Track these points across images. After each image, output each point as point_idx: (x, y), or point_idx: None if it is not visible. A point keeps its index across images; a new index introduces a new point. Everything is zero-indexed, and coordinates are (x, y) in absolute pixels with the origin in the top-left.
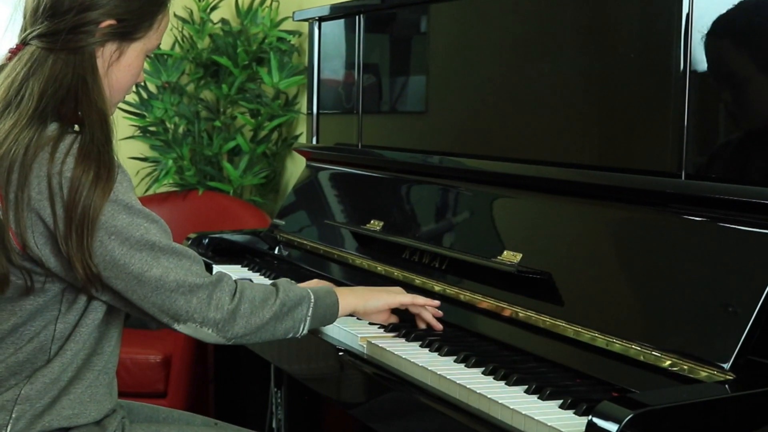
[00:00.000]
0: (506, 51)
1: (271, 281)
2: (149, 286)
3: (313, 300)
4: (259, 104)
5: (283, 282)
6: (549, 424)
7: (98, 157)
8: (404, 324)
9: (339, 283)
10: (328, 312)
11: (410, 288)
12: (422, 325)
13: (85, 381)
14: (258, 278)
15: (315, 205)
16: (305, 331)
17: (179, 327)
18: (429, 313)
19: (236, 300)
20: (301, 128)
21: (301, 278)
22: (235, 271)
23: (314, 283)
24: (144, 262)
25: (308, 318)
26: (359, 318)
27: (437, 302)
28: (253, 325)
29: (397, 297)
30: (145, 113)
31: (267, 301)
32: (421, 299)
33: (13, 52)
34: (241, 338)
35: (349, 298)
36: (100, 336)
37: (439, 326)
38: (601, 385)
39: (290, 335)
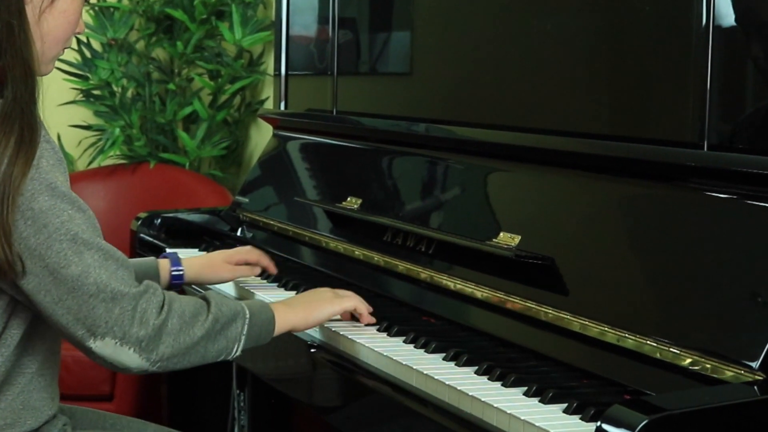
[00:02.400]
0: (503, 2)
1: (198, 294)
2: (65, 285)
3: (248, 315)
4: (219, 64)
5: (213, 295)
6: (552, 431)
7: (21, 118)
8: (386, 317)
9: (311, 271)
10: (264, 330)
11: (393, 276)
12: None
13: (17, 386)
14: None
15: (283, 180)
16: (239, 353)
17: (95, 345)
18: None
19: (164, 313)
20: (268, 92)
21: None
22: (192, 256)
23: (229, 256)
24: (62, 256)
25: (243, 336)
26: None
27: (369, 310)
28: (182, 344)
29: (341, 302)
30: (88, 74)
31: (198, 316)
32: (361, 305)
33: None
34: (168, 361)
35: (288, 314)
36: (32, 333)
37: (372, 319)
38: (612, 386)
39: (221, 358)
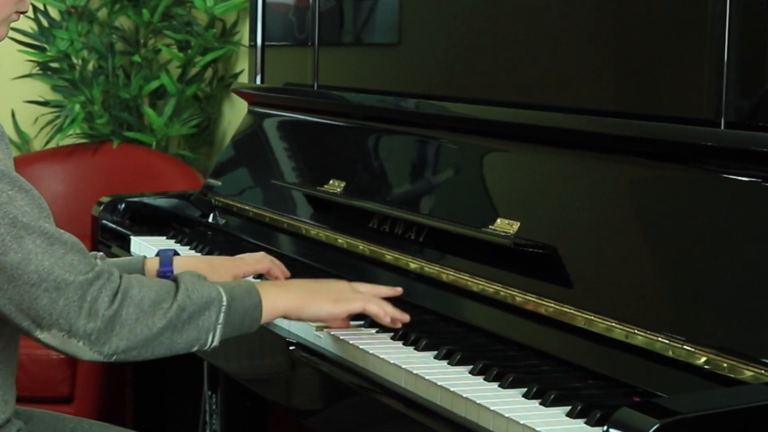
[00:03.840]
0: None
1: (173, 275)
2: (4, 274)
3: (225, 302)
4: (189, 34)
5: (187, 278)
6: None
7: None
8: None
9: (290, 261)
10: (247, 317)
11: (380, 266)
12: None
13: None
14: (188, 254)
15: (259, 162)
16: (216, 343)
17: (42, 336)
18: (387, 315)
19: (117, 303)
20: (242, 64)
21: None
22: (159, 244)
23: (236, 268)
24: (0, 242)
25: (219, 326)
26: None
27: (398, 290)
28: (140, 336)
29: (345, 305)
30: (45, 45)
31: (160, 304)
32: (374, 307)
33: None
34: (125, 354)
35: (279, 299)
36: None
37: (405, 317)
38: (619, 387)
39: (195, 348)
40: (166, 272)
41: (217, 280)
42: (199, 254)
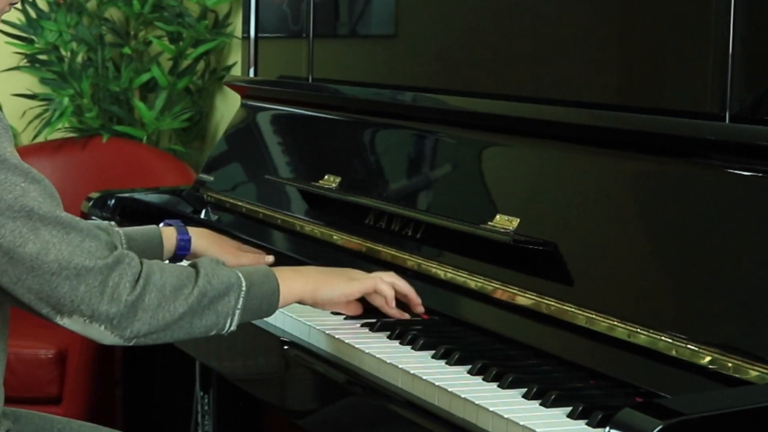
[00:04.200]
0: None
1: (191, 261)
2: (23, 266)
3: (244, 287)
4: (181, 26)
5: (206, 263)
6: None
7: None
8: (367, 310)
9: (284, 258)
10: (265, 302)
11: (376, 263)
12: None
13: None
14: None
15: (253, 156)
16: (233, 327)
17: (63, 321)
18: (392, 300)
19: (139, 288)
20: (235, 57)
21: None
22: None
23: (249, 258)
24: (17, 234)
25: (237, 311)
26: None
27: (415, 298)
28: (161, 321)
29: (357, 284)
30: (33, 37)
31: (181, 289)
32: (384, 287)
33: None
34: (145, 337)
35: (295, 283)
36: None
37: (420, 310)
38: (622, 387)
39: (213, 332)
40: (184, 240)
41: (226, 252)
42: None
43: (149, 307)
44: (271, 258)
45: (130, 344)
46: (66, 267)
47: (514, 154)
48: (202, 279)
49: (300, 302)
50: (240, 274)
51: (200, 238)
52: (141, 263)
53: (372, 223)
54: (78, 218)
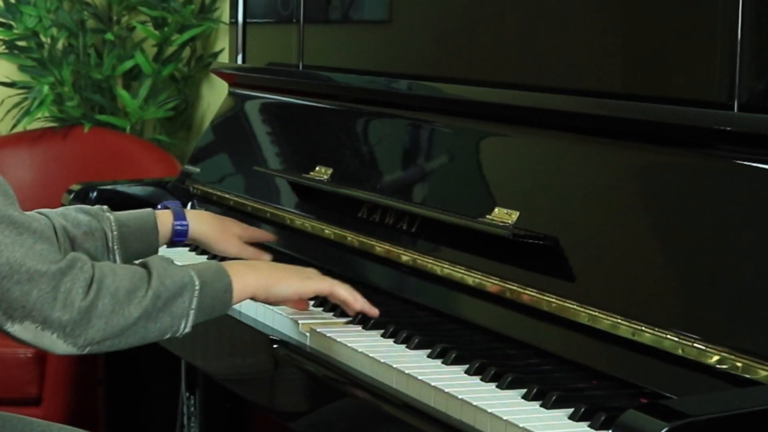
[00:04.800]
0: None
1: (140, 261)
2: None
3: (198, 286)
4: (166, 11)
5: (157, 263)
6: None
7: None
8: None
9: (274, 253)
10: (218, 301)
11: (370, 258)
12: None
13: None
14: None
15: (241, 147)
16: (188, 329)
17: (14, 329)
18: (357, 301)
19: (92, 293)
20: (222, 43)
21: None
22: None
23: (244, 230)
24: None
25: (192, 311)
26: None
27: (366, 307)
28: (116, 327)
29: (312, 283)
30: (11, 23)
31: (135, 293)
32: (342, 291)
33: None
34: (99, 345)
35: (248, 278)
36: None
37: (374, 311)
38: (626, 388)
39: (168, 335)
40: (182, 225)
41: (227, 241)
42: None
43: (103, 313)
44: (267, 256)
45: (84, 353)
46: (18, 270)
47: (514, 145)
48: (155, 280)
49: (252, 298)
50: (192, 273)
51: (199, 223)
52: (93, 267)
53: (365, 216)
54: (31, 218)
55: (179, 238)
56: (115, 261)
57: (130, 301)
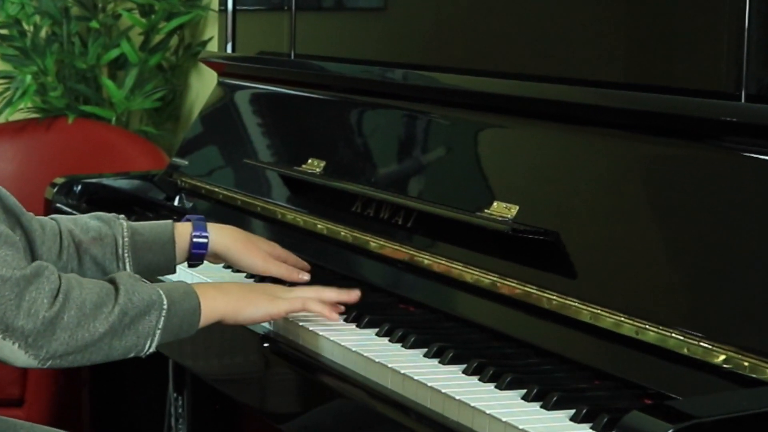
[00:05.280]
0: None
1: (108, 276)
2: None
3: (166, 305)
4: None
5: (125, 278)
6: None
7: None
8: (355, 305)
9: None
10: (185, 322)
11: (364, 254)
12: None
13: None
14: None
15: (230, 139)
16: (152, 349)
17: None
18: (332, 313)
19: (58, 304)
20: (211, 31)
21: None
22: None
23: (271, 247)
24: None
25: (158, 331)
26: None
27: (353, 295)
28: (80, 341)
29: (283, 304)
30: None
31: (101, 307)
32: (316, 306)
33: None
34: (61, 359)
35: (217, 302)
36: None
37: (352, 295)
38: (629, 388)
39: (131, 354)
40: (201, 237)
41: (253, 254)
42: None
43: (68, 326)
44: (307, 276)
45: (45, 366)
46: None
47: (513, 137)
48: (122, 296)
49: (221, 322)
50: (160, 291)
51: (221, 236)
52: (60, 277)
53: (359, 210)
54: None
55: (198, 250)
56: (125, 269)
57: (97, 316)
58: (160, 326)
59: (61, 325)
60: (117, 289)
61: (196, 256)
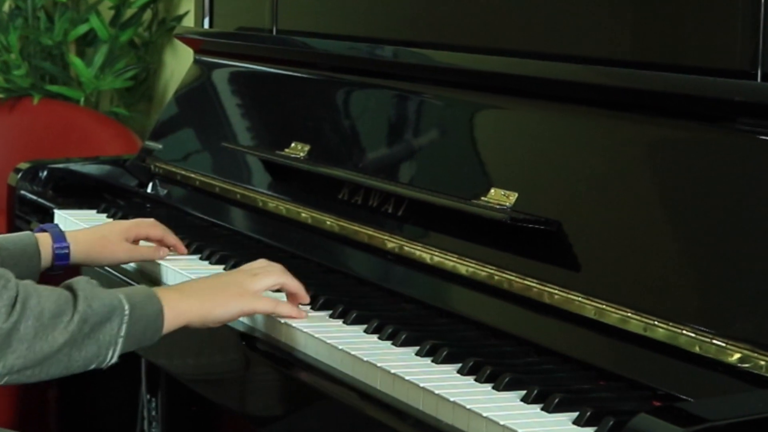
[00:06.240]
0: None
1: (64, 283)
2: None
3: (127, 311)
4: None
5: (83, 284)
6: None
7: None
8: (341, 299)
9: (244, 239)
10: (149, 328)
11: (351, 245)
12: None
13: None
14: None
15: (207, 121)
16: (114, 359)
17: None
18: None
19: (16, 315)
20: (187, 5)
21: (186, 229)
22: (88, 219)
23: (126, 231)
24: None
25: (120, 339)
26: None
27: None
28: (38, 353)
29: (257, 303)
30: None
31: (60, 316)
32: (286, 308)
33: None
34: (18, 374)
35: (182, 305)
36: None
37: (301, 314)
38: (636, 389)
39: (92, 366)
40: (62, 248)
41: (111, 250)
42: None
43: (25, 337)
44: (165, 250)
45: (1, 382)
46: None
47: (512, 119)
48: (81, 303)
49: (188, 326)
50: (121, 296)
51: (77, 244)
52: (17, 285)
53: (346, 198)
54: None
55: (61, 262)
56: None
57: (55, 326)
58: (122, 333)
59: (17, 336)
60: (75, 296)
61: (58, 267)
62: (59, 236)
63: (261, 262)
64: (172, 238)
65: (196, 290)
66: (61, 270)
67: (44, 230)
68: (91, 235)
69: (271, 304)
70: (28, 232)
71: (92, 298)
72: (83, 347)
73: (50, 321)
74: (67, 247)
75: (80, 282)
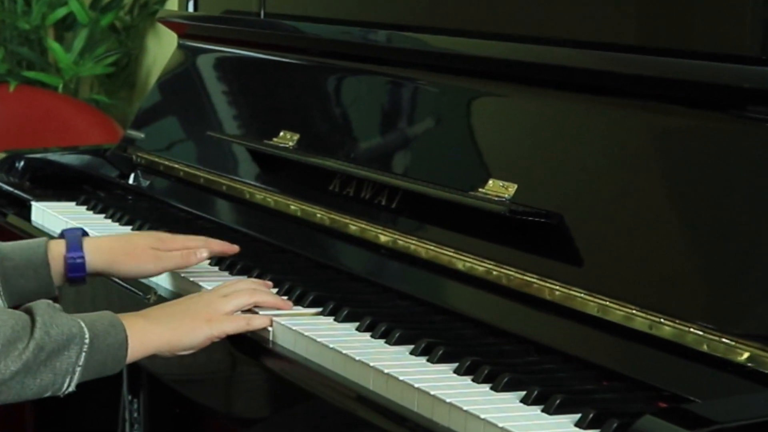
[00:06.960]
0: None
1: (23, 306)
2: None
3: (87, 339)
4: None
5: (43, 308)
6: None
7: None
8: (332, 296)
9: (230, 233)
10: (110, 357)
11: (342, 239)
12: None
13: None
14: (101, 224)
15: (192, 109)
16: (71, 388)
17: None
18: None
19: None
20: None
21: (169, 223)
22: (67, 212)
23: (157, 259)
24: None
25: (78, 368)
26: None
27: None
28: None
29: (225, 325)
30: None
31: (15, 343)
32: (258, 320)
33: None
34: None
35: (148, 335)
36: None
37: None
38: (641, 390)
39: (47, 394)
40: (75, 258)
41: (137, 260)
42: (118, 225)
43: None
44: (205, 253)
45: None
46: None
47: (512, 107)
48: (39, 330)
49: (155, 355)
50: (82, 323)
51: (99, 252)
52: None
53: (337, 189)
54: None
55: (75, 273)
56: None
57: (8, 353)
58: (80, 363)
59: None
60: (33, 321)
61: (74, 280)
62: (75, 244)
63: (234, 284)
64: (216, 244)
65: (165, 317)
66: (82, 282)
67: (63, 236)
68: (115, 241)
69: (242, 322)
70: (40, 240)
71: (51, 325)
72: (38, 375)
73: (4, 348)
74: (82, 257)
75: (40, 306)
